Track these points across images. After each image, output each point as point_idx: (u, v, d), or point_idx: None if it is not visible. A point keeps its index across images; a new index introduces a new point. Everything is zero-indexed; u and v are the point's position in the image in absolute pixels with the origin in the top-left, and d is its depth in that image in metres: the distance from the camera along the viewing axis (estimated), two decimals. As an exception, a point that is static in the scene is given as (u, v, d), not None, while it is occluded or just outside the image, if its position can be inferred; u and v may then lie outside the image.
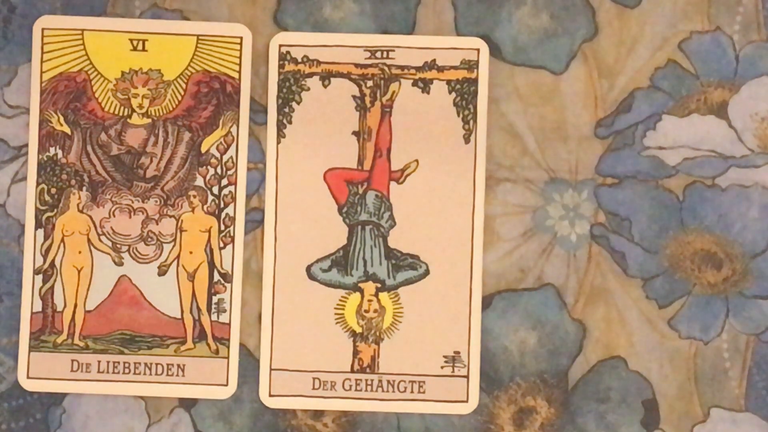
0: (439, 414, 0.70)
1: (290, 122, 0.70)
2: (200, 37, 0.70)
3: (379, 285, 0.70)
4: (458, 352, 0.70)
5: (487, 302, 0.71)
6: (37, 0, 0.71)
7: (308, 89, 0.71)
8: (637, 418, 0.71)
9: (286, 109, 0.70)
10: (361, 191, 0.70)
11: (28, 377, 0.70)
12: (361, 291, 0.70)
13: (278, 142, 0.70)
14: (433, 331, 0.70)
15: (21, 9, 0.71)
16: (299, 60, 0.71)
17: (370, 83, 0.71)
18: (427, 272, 0.70)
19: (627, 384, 0.71)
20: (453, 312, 0.70)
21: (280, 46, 0.71)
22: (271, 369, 0.70)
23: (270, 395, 0.70)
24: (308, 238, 0.70)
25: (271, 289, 0.70)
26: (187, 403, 0.71)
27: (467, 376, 0.70)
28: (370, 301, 0.70)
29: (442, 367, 0.70)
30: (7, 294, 0.70)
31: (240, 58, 0.70)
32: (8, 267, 0.71)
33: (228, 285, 0.70)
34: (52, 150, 0.70)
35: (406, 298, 0.70)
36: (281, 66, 0.71)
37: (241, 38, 0.70)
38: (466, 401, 0.70)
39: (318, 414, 0.71)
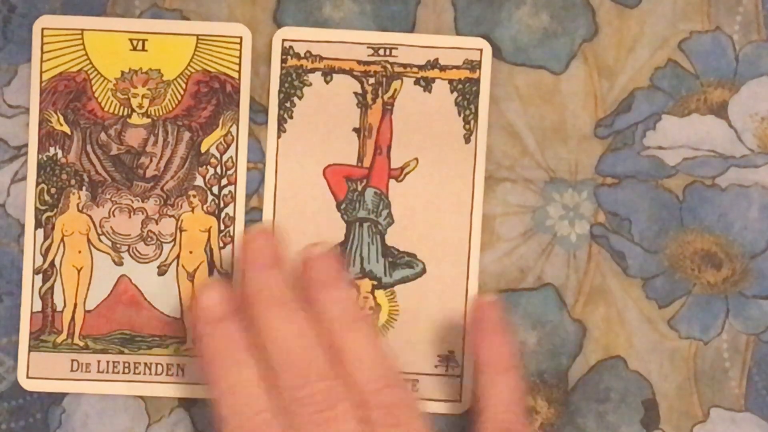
0: (432, 413, 0.70)
1: (291, 117, 0.70)
2: (200, 37, 0.71)
3: (375, 282, 0.70)
4: (452, 352, 0.70)
5: (486, 302, 0.70)
6: (37, 0, 0.71)
7: (310, 85, 0.70)
8: (637, 418, 0.71)
9: (288, 104, 0.70)
10: (360, 188, 0.70)
11: (27, 377, 0.70)
12: (357, 288, 0.70)
13: (278, 137, 0.70)
14: (427, 329, 0.70)
15: (21, 9, 0.71)
16: (302, 55, 0.71)
17: (372, 80, 0.71)
18: (423, 271, 0.70)
19: (627, 384, 0.71)
20: (448, 311, 0.70)
21: (283, 40, 0.70)
22: (270, 368, 0.70)
23: (269, 395, 0.70)
24: (306, 233, 0.70)
25: (271, 288, 0.70)
26: (187, 403, 0.71)
27: (461, 376, 0.70)
28: (365, 298, 0.70)
29: (435, 366, 0.70)
30: (7, 294, 0.71)
31: (240, 57, 0.70)
32: (8, 267, 0.71)
33: (227, 284, 0.70)
34: (51, 150, 0.70)
35: (401, 296, 0.70)
36: (284, 61, 0.71)
37: (241, 38, 0.70)
38: (460, 401, 0.70)
39: (317, 414, 0.71)
